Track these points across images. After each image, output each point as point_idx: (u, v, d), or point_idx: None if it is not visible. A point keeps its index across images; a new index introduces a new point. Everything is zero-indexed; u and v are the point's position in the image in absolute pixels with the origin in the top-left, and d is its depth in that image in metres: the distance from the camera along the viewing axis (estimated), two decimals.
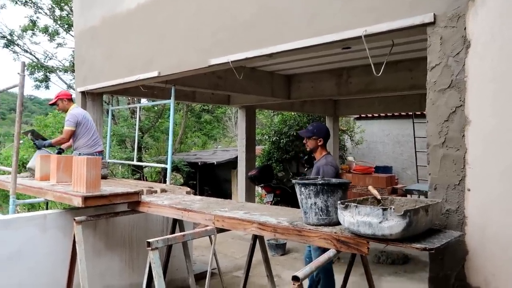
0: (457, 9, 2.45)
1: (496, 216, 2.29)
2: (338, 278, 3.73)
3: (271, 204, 7.27)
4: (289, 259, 6.14)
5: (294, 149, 11.24)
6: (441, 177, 2.54)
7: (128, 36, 5.15)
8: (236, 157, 13.59)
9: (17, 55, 14.63)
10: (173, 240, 2.70)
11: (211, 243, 3.15)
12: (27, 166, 5.06)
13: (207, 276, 2.84)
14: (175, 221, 4.22)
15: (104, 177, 4.72)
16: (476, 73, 2.38)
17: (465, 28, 2.43)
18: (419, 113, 11.59)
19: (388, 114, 12.67)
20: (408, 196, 8.57)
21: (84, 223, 3.56)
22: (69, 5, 14.02)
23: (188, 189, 4.37)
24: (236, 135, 25.87)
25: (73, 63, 14.16)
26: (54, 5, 13.90)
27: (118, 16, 5.27)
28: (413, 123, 11.53)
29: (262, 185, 7.76)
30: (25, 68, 3.84)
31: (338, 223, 2.51)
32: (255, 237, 3.40)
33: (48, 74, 14.84)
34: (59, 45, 14.92)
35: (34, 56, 14.83)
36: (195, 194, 4.42)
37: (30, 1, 13.74)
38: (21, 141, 4.87)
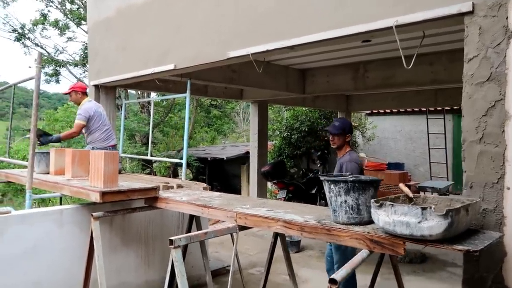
0: None
1: None
2: (359, 278, 3.63)
3: (284, 201, 7.15)
4: (304, 256, 6.05)
5: (305, 145, 11.12)
6: (478, 175, 2.42)
7: (143, 27, 5.06)
8: (245, 153, 13.57)
9: (28, 49, 14.64)
10: (195, 238, 2.61)
11: (233, 242, 3.05)
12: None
13: (230, 275, 2.75)
14: (191, 217, 4.13)
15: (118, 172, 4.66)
16: None
17: (507, 18, 2.29)
18: (433, 109, 11.41)
19: (401, 110, 12.48)
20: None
21: (101, 219, 3.48)
22: None
23: (205, 185, 4.29)
24: (244, 131, 25.83)
25: (83, 57, 14.18)
26: None
27: (133, 6, 5.17)
28: (427, 119, 11.34)
29: (275, 181, 7.65)
30: (41, 61, 3.76)
31: (369, 222, 2.40)
32: (276, 235, 3.30)
33: (58, 68, 14.83)
34: (69, 39, 14.91)
35: (45, 50, 14.84)
36: (211, 189, 4.33)
37: None
38: (27, 136, 4.81)
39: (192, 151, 15.63)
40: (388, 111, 12.80)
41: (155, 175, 13.44)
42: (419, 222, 1.96)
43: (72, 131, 4.95)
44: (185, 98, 4.95)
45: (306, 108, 11.27)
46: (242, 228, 2.89)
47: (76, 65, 14.84)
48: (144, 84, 6.08)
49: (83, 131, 5.04)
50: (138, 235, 4.28)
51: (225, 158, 13.91)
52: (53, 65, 14.70)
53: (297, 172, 10.60)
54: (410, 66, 2.90)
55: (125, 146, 11.82)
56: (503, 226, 2.32)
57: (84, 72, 14.89)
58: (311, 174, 8.65)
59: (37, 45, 14.61)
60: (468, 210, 2.08)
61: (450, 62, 5.51)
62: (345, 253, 3.45)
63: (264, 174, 7.56)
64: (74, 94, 5.10)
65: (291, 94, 7.26)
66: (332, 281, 1.72)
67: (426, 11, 2.64)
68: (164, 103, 15.28)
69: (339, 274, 1.77)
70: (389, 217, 2.07)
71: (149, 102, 13.40)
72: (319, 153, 8.93)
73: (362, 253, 2.15)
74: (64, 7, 14.27)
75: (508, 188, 2.30)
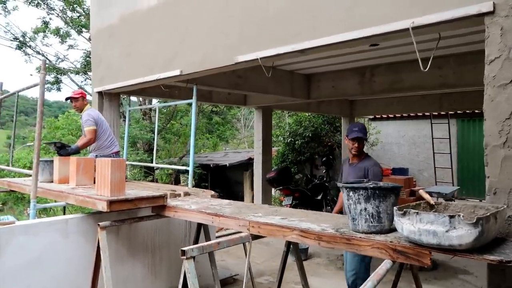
0: None
1: None
2: None
3: (290, 207, 7.05)
4: (311, 264, 5.93)
5: (309, 150, 11.03)
6: (502, 181, 2.32)
7: (148, 33, 4.99)
8: (248, 159, 13.48)
9: (29, 57, 14.60)
10: (208, 248, 2.51)
11: (245, 252, 2.95)
12: None
13: (243, 285, 2.65)
14: (199, 226, 4.04)
15: None
16: None
17: None
18: (437, 113, 11.34)
19: (404, 114, 12.41)
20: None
21: (107, 229, 3.38)
22: (81, 6, 13.97)
23: (213, 192, 4.19)
24: (245, 137, 25.76)
25: (85, 65, 14.14)
26: (66, 6, 13.84)
27: (138, 13, 5.11)
28: (431, 123, 11.27)
29: (280, 187, 7.55)
30: (45, 68, 3.68)
31: (390, 231, 2.31)
32: (288, 244, 3.19)
33: (59, 76, 14.78)
34: (71, 46, 14.87)
35: (46, 58, 14.78)
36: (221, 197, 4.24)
37: (43, 2, 13.69)
38: (30, 144, 4.70)
39: (194, 157, 15.52)
40: (392, 116, 12.74)
41: (157, 182, 13.33)
42: (447, 231, 1.86)
43: (88, 139, 4.82)
44: (190, 104, 4.87)
45: (310, 114, 11.20)
46: (255, 237, 2.79)
47: (77, 72, 14.79)
48: (148, 90, 6.01)
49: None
50: (144, 245, 4.18)
51: (227, 165, 13.80)
52: (55, 73, 14.65)
53: (302, 178, 10.49)
54: (427, 69, 2.82)
55: (128, 153, 11.76)
56: None
57: (85, 80, 14.85)
58: (316, 180, 8.55)
59: (38, 53, 14.57)
60: (496, 218, 1.99)
61: (459, 66, 5.44)
62: (364, 259, 3.36)
63: (269, 180, 7.45)
64: (82, 99, 5.03)
65: (296, 100, 7.18)
66: None
67: (443, 12, 2.56)
68: (165, 110, 15.21)
69: (367, 287, 1.67)
70: (414, 226, 1.97)
71: (151, 109, 13.35)
72: (324, 159, 8.83)
73: (386, 264, 2.05)
74: (65, 15, 14.25)
75: None
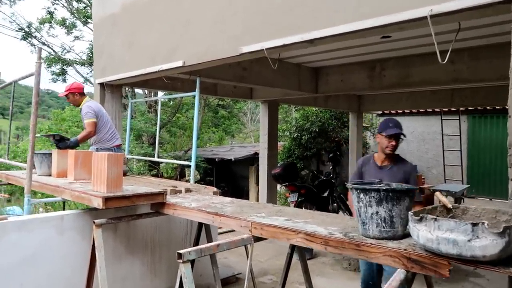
0: None
1: None
2: None
3: (295, 204, 6.86)
4: (317, 263, 5.76)
5: (315, 146, 10.83)
6: None
7: (150, 23, 4.81)
8: (254, 154, 13.30)
9: (34, 48, 14.51)
10: (206, 251, 2.35)
11: (247, 254, 2.78)
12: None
13: (245, 285, 2.49)
14: (200, 224, 3.88)
15: (123, 174, 4.42)
16: None
17: None
18: (447, 109, 11.04)
19: (413, 110, 12.12)
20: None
21: (104, 226, 3.24)
22: None
23: (215, 189, 4.03)
24: (252, 131, 25.57)
25: (90, 56, 14.02)
26: None
27: (140, 1, 4.93)
28: (441, 120, 10.98)
29: (286, 183, 7.35)
30: (41, 56, 3.53)
31: (403, 237, 2.13)
32: (293, 246, 3.03)
33: (65, 67, 14.70)
34: (76, 38, 14.77)
35: (52, 49, 14.71)
36: (222, 193, 4.07)
37: None
38: (37, 135, 4.55)
39: (200, 151, 15.39)
40: (400, 111, 12.45)
41: (162, 176, 13.23)
42: (469, 241, 1.67)
43: (87, 132, 4.67)
44: (194, 97, 4.70)
45: (317, 108, 10.98)
46: (258, 239, 2.63)
47: (83, 64, 14.70)
48: (151, 82, 5.85)
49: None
50: (143, 242, 4.03)
51: (233, 159, 13.65)
52: (60, 64, 14.57)
53: (308, 174, 10.30)
54: (445, 61, 2.61)
55: (132, 146, 11.65)
56: None
57: (91, 71, 14.74)
58: (322, 177, 8.33)
59: (43, 43, 14.48)
60: None
61: (473, 60, 5.19)
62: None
63: (275, 176, 7.25)
64: (72, 95, 4.86)
65: (303, 94, 6.98)
66: None
67: None
68: (171, 102, 15.07)
69: None
70: (431, 233, 1.78)
71: (156, 102, 13.22)
72: (331, 155, 8.60)
73: (400, 274, 1.88)
74: (71, 6, 14.12)
75: None
